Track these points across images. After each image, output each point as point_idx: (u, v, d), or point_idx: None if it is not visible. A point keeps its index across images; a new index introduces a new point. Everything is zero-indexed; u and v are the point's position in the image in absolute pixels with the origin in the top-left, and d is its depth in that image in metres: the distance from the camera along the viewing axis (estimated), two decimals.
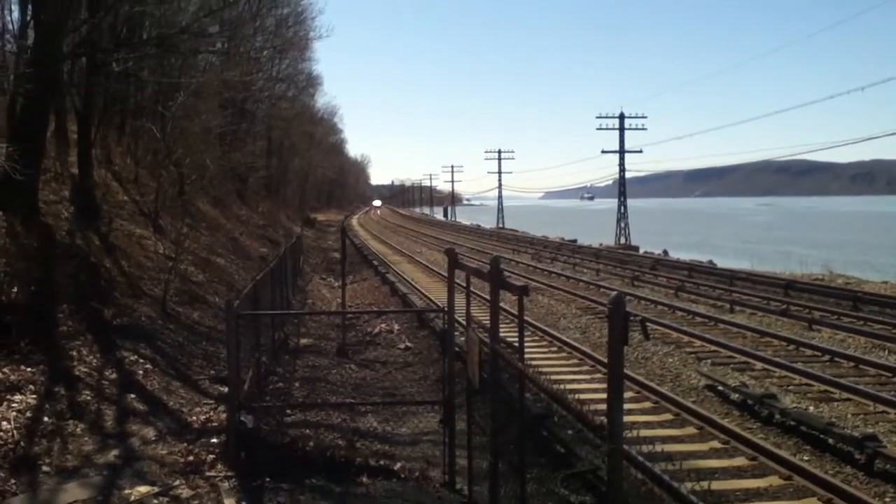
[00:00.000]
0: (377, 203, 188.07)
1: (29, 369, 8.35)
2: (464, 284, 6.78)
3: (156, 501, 6.47)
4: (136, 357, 10.29)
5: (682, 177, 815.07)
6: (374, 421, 9.48)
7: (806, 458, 8.46)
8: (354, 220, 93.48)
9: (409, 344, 14.72)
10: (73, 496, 6.43)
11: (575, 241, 51.73)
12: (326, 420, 9.41)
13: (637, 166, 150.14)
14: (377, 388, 11.56)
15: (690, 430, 9.47)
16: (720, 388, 11.29)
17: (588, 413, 8.78)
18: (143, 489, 6.59)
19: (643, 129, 56.71)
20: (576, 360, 13.52)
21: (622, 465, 3.62)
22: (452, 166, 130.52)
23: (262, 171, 43.41)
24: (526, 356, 5.53)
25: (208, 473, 7.03)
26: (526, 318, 6.61)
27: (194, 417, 8.89)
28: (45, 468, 6.83)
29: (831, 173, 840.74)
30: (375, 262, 32.31)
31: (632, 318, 12.79)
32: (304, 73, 52.47)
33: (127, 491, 6.56)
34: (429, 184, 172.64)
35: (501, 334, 5.76)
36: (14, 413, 7.43)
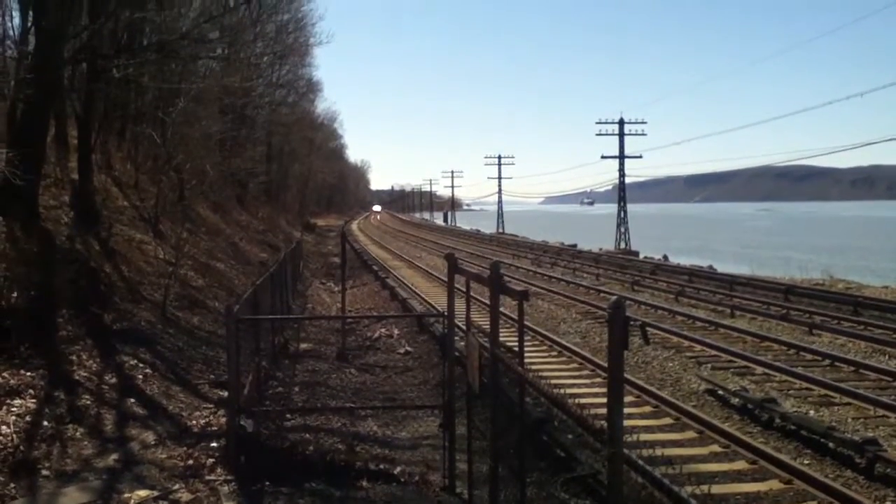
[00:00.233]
0: (377, 208, 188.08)
1: (29, 374, 8.36)
2: (464, 289, 6.78)
3: None
4: (135, 361, 10.29)
5: (681, 182, 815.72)
6: (373, 425, 9.47)
7: (806, 462, 8.45)
8: (354, 225, 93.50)
9: (409, 348, 14.71)
10: (73, 500, 6.42)
11: (575, 245, 51.77)
12: (326, 424, 9.39)
13: (637, 171, 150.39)
14: (377, 393, 11.55)
15: (691, 434, 9.46)
16: (720, 392, 11.28)
17: (588, 417, 8.75)
18: (142, 493, 6.59)
19: (643, 134, 56.90)
20: (576, 365, 13.52)
21: (622, 469, 3.61)
22: (452, 171, 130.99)
23: (262, 177, 43.42)
24: (526, 361, 5.54)
25: (208, 477, 7.02)
26: (526, 322, 6.62)
27: (194, 421, 8.89)
28: (44, 472, 6.83)
29: (831, 178, 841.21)
30: (375, 267, 32.30)
31: (632, 322, 12.83)
32: (305, 78, 52.55)
33: (126, 495, 6.56)
34: (429, 189, 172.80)
35: (501, 339, 5.76)
36: (14, 417, 7.44)
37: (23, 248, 10.49)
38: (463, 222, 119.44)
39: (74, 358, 9.37)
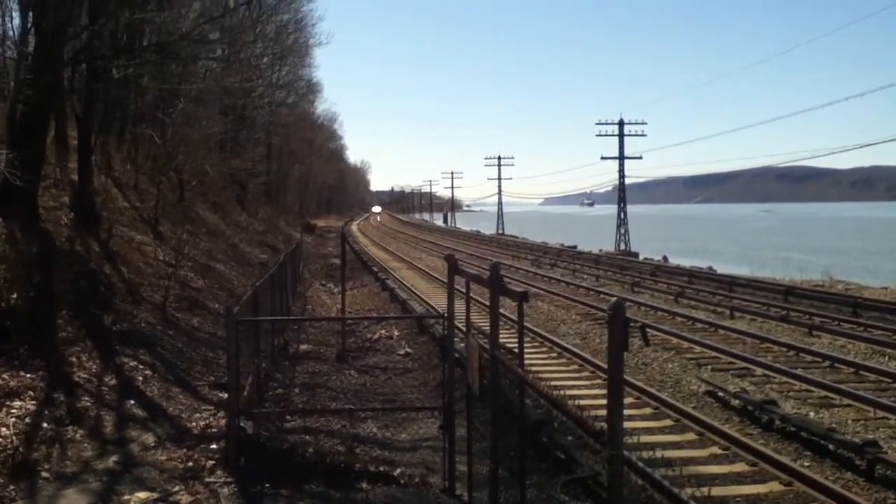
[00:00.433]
0: (377, 209, 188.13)
1: (28, 375, 8.35)
2: (463, 290, 6.78)
3: None
4: (135, 363, 10.28)
5: (681, 183, 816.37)
6: (373, 427, 9.47)
7: (806, 463, 8.45)
8: (354, 226, 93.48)
9: (408, 350, 14.70)
10: (73, 502, 6.42)
11: (575, 247, 51.74)
12: (326, 426, 9.39)
13: (637, 172, 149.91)
14: (377, 394, 11.54)
15: (691, 435, 9.46)
16: (720, 393, 11.28)
17: (588, 419, 8.77)
18: (142, 495, 6.58)
19: (643, 135, 56.78)
20: (576, 366, 13.51)
21: (622, 471, 3.61)
22: (452, 172, 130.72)
23: (262, 178, 43.43)
24: (526, 362, 5.54)
25: (208, 479, 7.01)
26: (526, 324, 6.62)
27: (194, 423, 8.88)
28: (44, 474, 6.83)
29: (831, 179, 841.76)
30: (375, 268, 32.31)
31: (632, 324, 12.81)
32: (304, 79, 52.52)
33: (126, 497, 6.55)
34: (429, 190, 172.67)
35: (501, 340, 5.76)
36: (13, 419, 7.43)
37: (22, 250, 10.48)
38: (463, 223, 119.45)
39: (74, 359, 9.36)
